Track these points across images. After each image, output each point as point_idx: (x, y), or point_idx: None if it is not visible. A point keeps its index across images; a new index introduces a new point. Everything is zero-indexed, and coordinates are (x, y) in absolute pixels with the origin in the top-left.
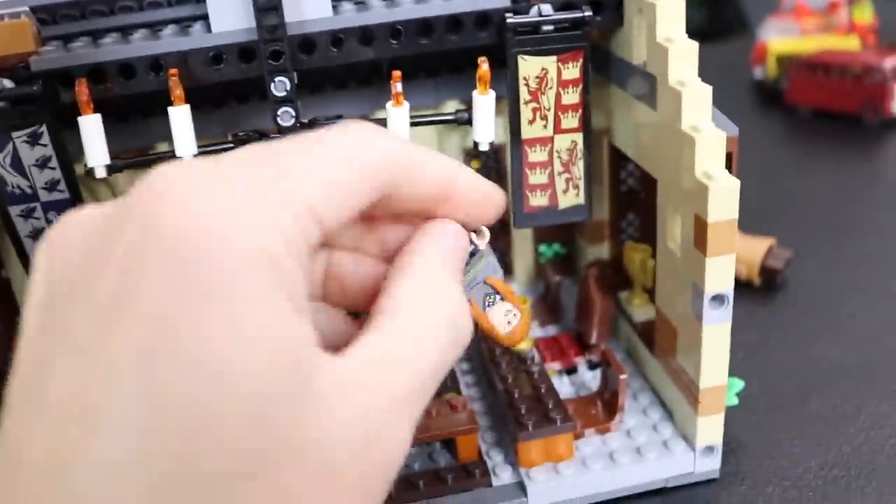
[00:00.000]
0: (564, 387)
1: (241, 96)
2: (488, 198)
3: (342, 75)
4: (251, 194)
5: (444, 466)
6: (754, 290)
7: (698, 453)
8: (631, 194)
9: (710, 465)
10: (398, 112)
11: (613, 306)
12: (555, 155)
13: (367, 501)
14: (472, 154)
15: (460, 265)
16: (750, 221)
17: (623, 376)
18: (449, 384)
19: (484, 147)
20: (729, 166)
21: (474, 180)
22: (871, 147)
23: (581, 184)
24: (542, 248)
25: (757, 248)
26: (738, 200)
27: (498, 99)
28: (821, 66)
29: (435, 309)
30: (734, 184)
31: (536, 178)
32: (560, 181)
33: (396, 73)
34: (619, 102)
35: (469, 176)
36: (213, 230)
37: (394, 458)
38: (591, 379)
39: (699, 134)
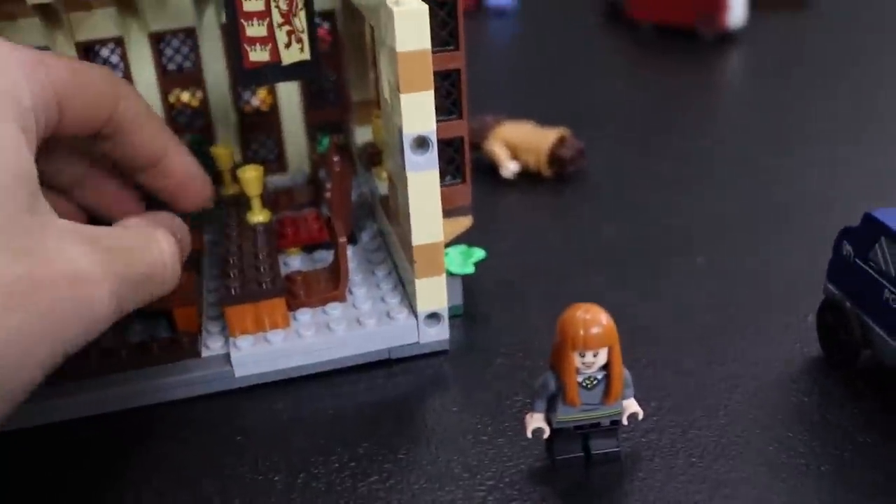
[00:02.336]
0: (304, 263)
1: None
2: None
3: None
4: None
5: (154, 337)
6: (545, 181)
7: (422, 321)
8: None
9: (437, 335)
10: None
11: (350, 183)
12: (272, 4)
13: None
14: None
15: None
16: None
17: (342, 239)
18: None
19: None
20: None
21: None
22: (702, 59)
23: (304, 38)
24: (320, 138)
25: (546, 137)
26: (428, 29)
27: None
28: None
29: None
30: (422, 9)
31: (254, 29)
32: (281, 34)
33: None
34: None
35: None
36: None
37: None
38: (330, 257)
39: None
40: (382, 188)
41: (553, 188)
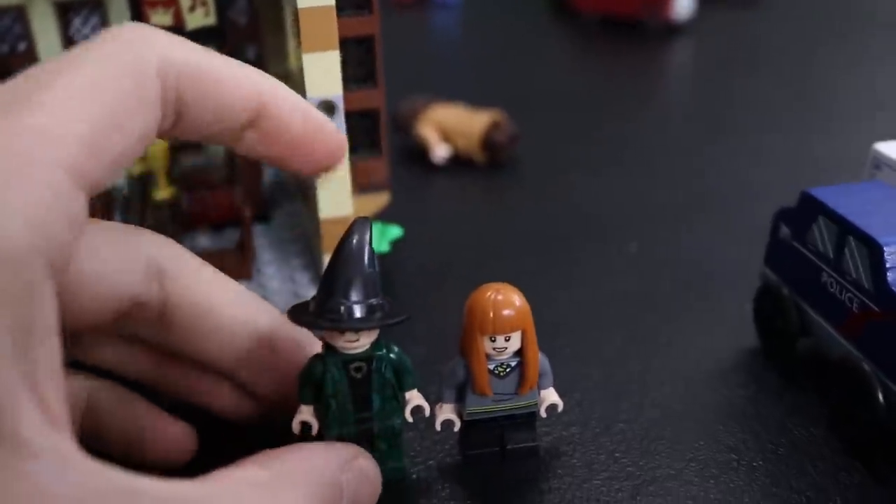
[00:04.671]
0: (213, 241)
1: None
2: (319, 127)
3: None
4: None
5: None
6: (477, 166)
7: None
8: None
9: None
10: None
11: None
12: None
13: None
14: None
15: None
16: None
17: (247, 213)
18: None
19: None
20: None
21: (294, 99)
22: (646, 50)
23: (209, 1)
24: None
25: (479, 120)
26: None
27: None
28: None
29: None
30: None
31: None
32: None
33: None
34: None
35: (287, 93)
36: None
37: None
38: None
39: None
40: None
41: (484, 173)
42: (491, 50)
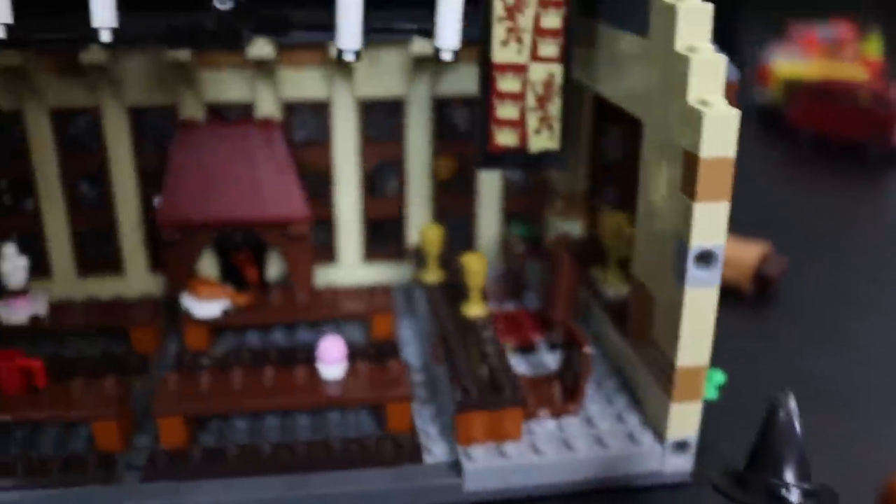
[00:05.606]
0: (520, 366)
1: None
2: None
3: None
4: None
5: (370, 435)
6: (744, 299)
7: (669, 448)
8: (610, 168)
9: (682, 465)
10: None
11: (580, 281)
12: (528, 87)
13: None
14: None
15: None
16: (743, 233)
17: (587, 349)
18: (389, 351)
19: (447, 56)
20: None
21: None
22: (872, 175)
23: (556, 125)
24: (514, 226)
25: (750, 252)
26: (736, 136)
27: (466, 44)
28: (827, 92)
29: None
30: (733, 113)
31: (506, 111)
32: (532, 119)
33: None
34: (605, 42)
35: None
36: None
37: None
38: (551, 361)
39: (696, 54)
40: (609, 292)
41: (753, 306)
42: None
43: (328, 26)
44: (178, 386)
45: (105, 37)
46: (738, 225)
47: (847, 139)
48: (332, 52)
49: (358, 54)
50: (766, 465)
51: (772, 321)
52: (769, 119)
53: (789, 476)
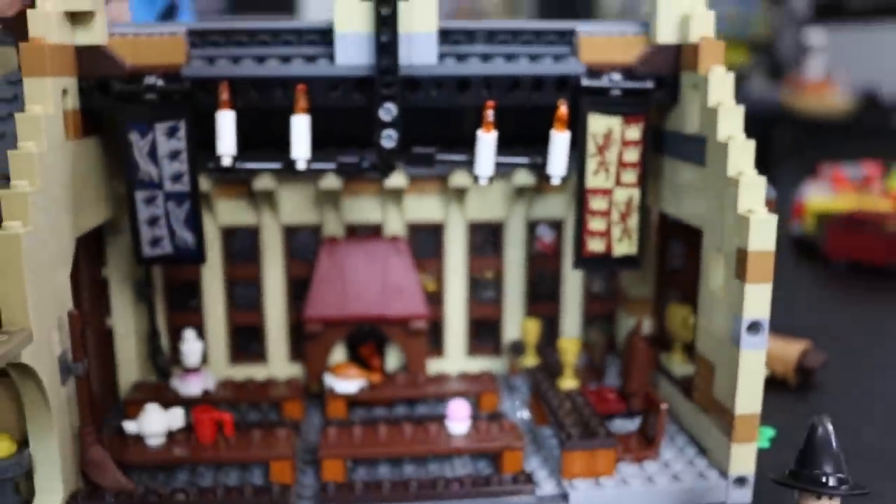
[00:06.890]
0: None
1: (341, 142)
2: None
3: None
4: None
5: (491, 475)
6: (789, 391)
7: (731, 483)
8: (673, 274)
9: (742, 497)
10: (487, 138)
11: (654, 359)
12: (613, 206)
13: None
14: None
15: None
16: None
17: (664, 406)
18: (498, 417)
19: (556, 181)
20: None
21: None
22: None
23: (634, 235)
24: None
25: (793, 347)
26: (775, 234)
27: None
28: (857, 222)
29: None
30: (772, 218)
31: (596, 224)
32: (616, 230)
33: (490, 102)
34: (670, 172)
35: None
36: None
37: None
38: (630, 425)
39: (744, 177)
40: (676, 370)
41: (800, 395)
42: None
43: (461, 160)
44: (337, 436)
45: (301, 165)
46: (782, 331)
47: (879, 263)
48: (454, 182)
49: (491, 179)
50: (809, 463)
51: (816, 406)
52: (805, 249)
53: (828, 469)
